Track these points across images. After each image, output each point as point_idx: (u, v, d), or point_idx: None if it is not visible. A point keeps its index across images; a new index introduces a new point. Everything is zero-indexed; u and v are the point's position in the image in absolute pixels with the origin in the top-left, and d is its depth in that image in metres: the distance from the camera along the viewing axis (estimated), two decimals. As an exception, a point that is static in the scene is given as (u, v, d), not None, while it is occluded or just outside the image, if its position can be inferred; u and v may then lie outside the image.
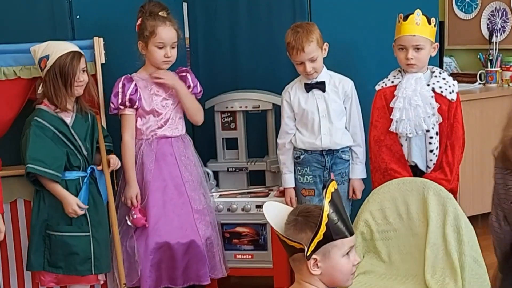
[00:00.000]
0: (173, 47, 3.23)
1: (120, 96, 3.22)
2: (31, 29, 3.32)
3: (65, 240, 3.04)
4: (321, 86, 3.26)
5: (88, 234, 3.08)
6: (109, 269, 3.16)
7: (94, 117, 3.18)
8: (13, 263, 3.27)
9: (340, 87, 3.28)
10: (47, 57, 3.02)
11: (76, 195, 3.05)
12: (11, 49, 3.19)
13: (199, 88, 3.37)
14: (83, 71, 3.06)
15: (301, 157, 3.32)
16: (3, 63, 3.18)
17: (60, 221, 3.06)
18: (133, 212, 3.21)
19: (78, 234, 3.06)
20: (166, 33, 3.19)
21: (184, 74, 3.35)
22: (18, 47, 3.17)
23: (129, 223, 3.23)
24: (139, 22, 3.23)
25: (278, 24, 3.63)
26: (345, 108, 3.30)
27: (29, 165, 2.95)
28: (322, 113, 3.25)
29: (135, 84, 3.24)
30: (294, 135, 3.32)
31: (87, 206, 3.06)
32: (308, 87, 3.27)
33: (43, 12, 3.37)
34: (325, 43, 3.22)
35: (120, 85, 3.24)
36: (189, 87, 3.33)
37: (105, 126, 3.29)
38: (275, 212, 2.16)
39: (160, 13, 3.20)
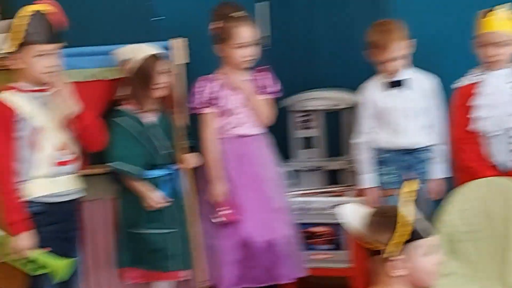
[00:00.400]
0: (251, 46, 3.24)
1: (199, 96, 3.27)
2: (113, 30, 3.40)
3: (149, 237, 3.11)
4: (401, 84, 3.22)
5: (171, 231, 3.13)
6: (191, 266, 3.20)
7: (173, 116, 3.23)
8: (99, 260, 3.36)
9: (422, 85, 3.23)
10: (129, 60, 3.10)
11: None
12: (94, 51, 3.26)
13: (274, 87, 3.37)
14: (163, 73, 3.11)
15: (381, 156, 3.28)
16: (86, 65, 3.26)
17: (143, 219, 3.12)
18: (221, 208, 3.24)
19: (161, 231, 3.12)
20: (244, 33, 3.21)
21: (259, 73, 3.36)
22: (100, 49, 3.24)
23: (216, 219, 3.25)
24: (214, 25, 3.26)
25: (357, 20, 3.61)
26: (426, 106, 3.24)
27: (113, 163, 3.03)
28: (403, 111, 3.21)
29: (214, 84, 3.27)
30: (373, 134, 3.29)
31: (167, 200, 3.11)
32: (389, 85, 3.22)
33: (125, 14, 3.46)
34: (409, 40, 3.17)
35: (199, 85, 3.28)
36: (263, 87, 3.33)
37: (187, 125, 3.32)
38: (352, 214, 2.14)
39: (235, 15, 3.22)
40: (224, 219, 3.24)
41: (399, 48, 3.12)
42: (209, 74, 3.31)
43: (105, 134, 2.97)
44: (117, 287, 3.33)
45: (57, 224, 2.83)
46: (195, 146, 3.30)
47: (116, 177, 3.12)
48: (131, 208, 3.14)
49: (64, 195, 2.83)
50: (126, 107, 3.14)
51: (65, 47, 3.17)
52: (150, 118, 3.15)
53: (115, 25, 3.45)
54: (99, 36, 3.38)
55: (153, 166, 3.13)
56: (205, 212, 3.31)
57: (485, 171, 3.04)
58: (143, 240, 3.12)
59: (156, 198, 3.08)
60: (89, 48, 3.26)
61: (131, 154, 3.06)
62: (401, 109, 3.21)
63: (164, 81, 3.11)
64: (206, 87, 3.27)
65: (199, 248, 3.20)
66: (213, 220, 3.26)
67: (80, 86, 3.13)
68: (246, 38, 3.21)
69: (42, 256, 2.75)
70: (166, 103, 3.21)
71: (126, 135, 3.08)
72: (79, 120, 2.81)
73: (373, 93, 3.26)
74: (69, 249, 2.90)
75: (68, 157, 2.83)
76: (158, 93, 3.12)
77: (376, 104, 3.25)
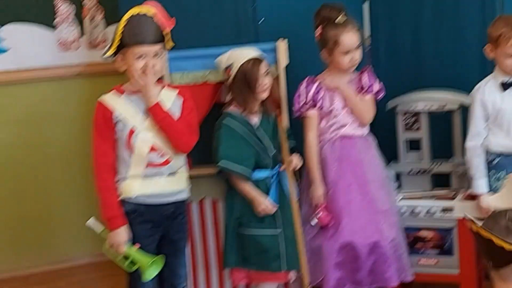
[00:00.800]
0: (357, 49, 3.21)
1: (302, 97, 3.26)
2: (217, 33, 3.43)
3: (256, 237, 3.12)
4: None
5: (278, 231, 3.13)
6: (298, 267, 3.18)
7: (276, 117, 3.23)
8: (202, 261, 3.40)
9: None
10: (231, 66, 3.13)
11: (267, 194, 3.12)
12: (199, 54, 3.31)
13: (375, 86, 3.30)
14: (266, 74, 3.12)
15: (496, 160, 3.15)
16: (192, 68, 3.31)
17: (251, 219, 3.13)
18: (320, 210, 3.22)
19: (269, 232, 3.13)
20: (350, 39, 3.17)
21: (361, 73, 3.31)
22: (205, 51, 3.28)
23: (314, 222, 3.24)
24: (319, 31, 3.23)
25: (465, 18, 3.49)
26: None
27: (221, 162, 3.06)
28: None
29: (318, 85, 3.25)
30: (487, 137, 3.16)
31: (277, 205, 3.11)
32: (505, 86, 3.09)
33: (228, 17, 3.48)
34: None
35: (303, 86, 3.27)
36: (365, 86, 3.28)
37: (288, 126, 3.32)
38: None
39: (338, 18, 3.18)
40: (318, 222, 3.22)
41: None
42: (307, 76, 3.29)
43: (194, 135, 2.95)
44: (226, 288, 3.37)
45: (151, 224, 2.87)
46: (296, 147, 3.29)
47: (224, 177, 3.14)
48: (239, 209, 3.16)
49: (159, 196, 2.85)
50: (232, 110, 3.16)
51: (172, 49, 3.26)
52: (255, 119, 3.17)
53: (220, 27, 3.47)
54: (205, 39, 3.42)
55: (261, 167, 3.14)
56: (306, 213, 3.29)
57: None
58: (251, 241, 3.13)
59: (266, 204, 3.09)
60: (196, 51, 3.30)
61: (239, 155, 3.09)
62: None
63: (266, 83, 3.12)
64: (309, 89, 3.26)
65: (302, 251, 3.17)
66: (311, 223, 3.24)
67: (188, 89, 3.19)
68: (351, 44, 3.17)
69: (134, 252, 2.81)
70: (269, 105, 3.21)
71: (234, 135, 3.11)
72: (154, 116, 2.83)
73: (488, 93, 3.12)
74: (170, 252, 2.94)
75: (162, 159, 2.85)
76: (262, 96, 3.13)
77: (492, 106, 3.11)
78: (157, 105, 2.83)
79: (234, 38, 3.41)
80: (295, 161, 3.21)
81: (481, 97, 3.14)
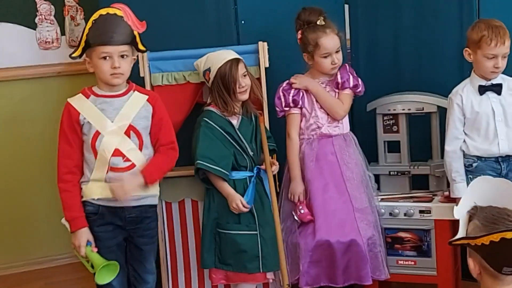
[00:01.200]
0: (337, 52, 3.24)
1: (283, 100, 3.29)
2: (199, 35, 3.44)
3: (234, 238, 3.13)
4: (497, 88, 3.11)
5: (256, 232, 3.14)
6: (277, 268, 3.19)
7: (257, 118, 3.24)
8: (181, 260, 3.41)
9: None
10: (209, 69, 3.14)
11: (243, 194, 3.13)
12: (180, 54, 3.33)
13: (351, 82, 3.32)
14: (244, 75, 3.13)
15: (474, 164, 3.17)
16: (173, 68, 3.33)
17: (229, 220, 3.14)
18: (300, 207, 3.25)
19: (246, 232, 3.14)
20: (329, 42, 3.20)
21: (339, 70, 3.33)
22: (187, 52, 3.30)
23: (296, 218, 3.27)
24: (299, 35, 3.26)
25: (443, 22, 3.52)
26: None
27: (198, 161, 3.06)
28: (498, 117, 3.10)
29: (296, 89, 3.28)
30: (464, 141, 3.19)
31: (249, 206, 3.12)
32: (483, 90, 3.13)
33: (210, 19, 3.49)
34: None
35: (282, 88, 3.30)
36: (338, 83, 3.30)
37: (268, 127, 3.34)
38: None
39: (318, 22, 3.21)
40: (298, 218, 3.26)
41: (509, 46, 3.02)
42: (288, 77, 3.31)
43: (176, 152, 2.97)
44: (205, 288, 3.38)
45: (113, 226, 2.84)
46: (275, 150, 3.31)
47: (201, 176, 3.14)
48: (216, 209, 3.16)
49: (121, 201, 2.79)
50: (213, 108, 3.17)
51: (153, 50, 3.26)
52: (235, 120, 3.18)
53: (202, 29, 3.48)
54: (187, 40, 3.42)
55: (240, 168, 3.15)
56: (287, 211, 3.32)
57: None
58: (229, 241, 3.14)
59: (237, 201, 3.09)
60: (177, 52, 3.31)
61: (217, 154, 3.08)
62: (496, 115, 3.11)
63: (245, 85, 3.13)
64: (289, 91, 3.29)
65: (281, 252, 3.17)
66: (295, 218, 3.27)
67: (170, 89, 3.20)
68: (330, 47, 3.20)
69: (91, 254, 2.79)
70: (250, 106, 3.23)
71: (213, 134, 3.11)
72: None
73: (466, 97, 3.14)
74: (136, 257, 2.92)
75: (125, 164, 2.80)
76: (242, 97, 3.15)
77: (469, 110, 3.14)
78: (149, 180, 2.82)
79: (216, 39, 3.42)
80: (274, 166, 3.22)
81: (458, 101, 3.15)
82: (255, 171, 3.19)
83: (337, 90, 3.32)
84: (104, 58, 2.74)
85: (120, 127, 2.80)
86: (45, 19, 4.02)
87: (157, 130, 2.89)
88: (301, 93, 3.29)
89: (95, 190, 2.80)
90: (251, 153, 3.18)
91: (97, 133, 2.77)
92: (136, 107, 2.84)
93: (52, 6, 4.01)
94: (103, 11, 2.76)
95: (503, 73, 3.13)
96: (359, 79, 3.36)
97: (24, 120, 4.11)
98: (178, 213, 3.39)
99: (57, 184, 2.82)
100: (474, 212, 1.97)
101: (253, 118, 3.24)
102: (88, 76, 3.03)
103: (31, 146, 4.12)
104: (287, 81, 3.31)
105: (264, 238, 3.15)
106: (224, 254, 3.15)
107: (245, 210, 3.10)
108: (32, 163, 4.13)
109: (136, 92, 2.89)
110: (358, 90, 3.36)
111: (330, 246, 3.20)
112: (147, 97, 2.90)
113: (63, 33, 4.06)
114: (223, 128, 3.13)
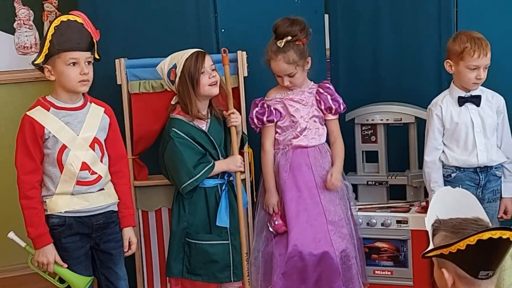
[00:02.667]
0: (291, 76, 3.20)
1: (256, 121, 3.28)
2: (178, 42, 3.41)
3: (205, 248, 3.10)
4: (476, 100, 3.13)
5: (227, 242, 3.12)
6: (243, 277, 3.17)
7: (225, 121, 3.16)
8: (157, 269, 3.40)
9: (494, 102, 3.15)
10: (174, 66, 3.07)
11: (216, 203, 3.09)
12: (158, 62, 3.29)
13: (341, 107, 3.31)
14: (212, 69, 3.06)
15: (453, 175, 3.18)
16: (151, 76, 3.31)
17: (199, 230, 3.12)
18: (275, 218, 3.25)
19: (217, 242, 3.11)
20: (276, 66, 3.19)
21: (323, 93, 3.30)
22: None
23: (270, 229, 3.27)
24: (266, 47, 3.23)
25: (422, 35, 3.55)
26: (498, 123, 3.17)
27: (185, 187, 3.03)
28: (477, 128, 3.12)
29: (268, 106, 3.27)
30: (443, 151, 3.20)
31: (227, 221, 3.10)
32: (462, 101, 3.15)
33: (190, 27, 3.47)
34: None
35: (255, 111, 3.28)
36: (328, 108, 3.29)
37: (245, 130, 3.31)
38: None
39: (277, 43, 3.17)
40: (273, 229, 3.25)
41: (487, 57, 3.05)
42: (266, 86, 3.32)
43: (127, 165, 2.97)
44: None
45: (80, 236, 2.79)
46: (256, 155, 3.31)
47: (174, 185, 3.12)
48: (187, 218, 3.13)
49: (88, 211, 2.77)
50: (178, 115, 3.10)
51: (131, 58, 3.24)
52: (204, 124, 3.12)
53: (182, 37, 3.46)
54: (167, 48, 3.38)
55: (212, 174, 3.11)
56: (263, 221, 3.31)
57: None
58: (200, 251, 3.11)
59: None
60: (155, 60, 3.28)
61: (198, 162, 3.05)
62: (475, 126, 3.13)
63: (214, 76, 3.06)
64: (262, 112, 3.27)
65: (243, 261, 3.15)
66: (270, 229, 3.27)
67: (147, 97, 3.17)
68: (278, 71, 3.19)
69: (65, 272, 2.75)
70: (217, 108, 3.16)
71: (188, 142, 3.06)
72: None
73: (445, 108, 3.16)
74: (105, 263, 2.88)
75: (92, 177, 2.76)
76: (212, 90, 3.07)
77: (448, 120, 3.16)
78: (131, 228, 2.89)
79: (195, 47, 3.39)
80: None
81: (437, 112, 3.17)
82: (226, 178, 3.14)
83: (326, 113, 3.29)
84: (72, 64, 2.69)
85: (85, 140, 2.75)
86: (24, 24, 3.99)
87: (112, 142, 2.86)
88: (274, 111, 3.27)
89: (60, 204, 2.73)
90: (221, 159, 3.13)
91: (63, 147, 2.71)
92: (96, 119, 2.80)
93: (31, 11, 3.98)
94: (63, 18, 2.69)
95: (482, 85, 3.15)
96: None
97: (2, 125, 4.07)
98: (155, 222, 3.37)
99: (19, 200, 2.73)
100: (438, 225, 1.98)
101: (223, 121, 3.17)
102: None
103: (9, 151, 4.06)
104: (262, 101, 3.29)
105: (236, 247, 3.13)
106: (194, 264, 3.12)
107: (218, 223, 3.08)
108: (10, 169, 4.07)
109: (93, 104, 2.84)
110: (343, 109, 3.35)
111: (302, 258, 3.19)
112: (103, 109, 2.86)
113: (41, 38, 4.03)
114: (191, 136, 3.07)
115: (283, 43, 3.16)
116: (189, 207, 3.12)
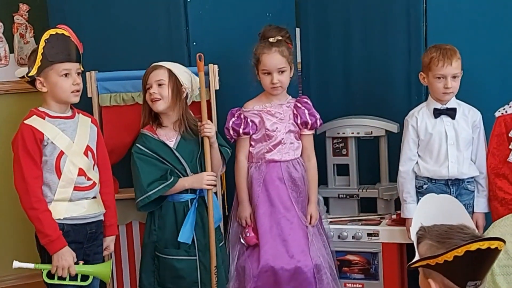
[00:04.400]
0: (280, 72, 3.20)
1: (232, 132, 3.27)
2: (150, 55, 3.41)
3: (172, 263, 3.09)
4: (451, 112, 3.17)
5: (195, 258, 3.10)
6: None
7: (198, 136, 3.14)
8: (128, 283, 3.37)
9: (470, 116, 3.20)
10: None
11: (183, 218, 3.08)
12: (130, 75, 3.30)
13: (318, 122, 3.33)
14: (158, 85, 3.06)
15: (424, 186, 3.21)
16: (122, 89, 3.31)
17: (168, 244, 3.10)
18: (247, 230, 3.25)
19: (184, 258, 3.09)
20: (269, 60, 3.18)
21: (301, 107, 3.30)
22: (136, 73, 3.26)
23: (242, 241, 3.27)
24: (254, 48, 3.25)
25: (392, 49, 3.58)
26: (473, 137, 3.20)
27: (141, 203, 3.05)
28: (451, 140, 3.16)
29: (244, 118, 3.27)
30: (417, 162, 3.23)
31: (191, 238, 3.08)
32: (437, 113, 3.18)
33: (161, 39, 3.48)
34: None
35: (232, 121, 3.27)
36: (304, 123, 3.29)
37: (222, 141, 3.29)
38: None
39: (271, 40, 3.20)
40: (245, 242, 3.25)
41: (458, 67, 3.09)
42: (239, 99, 3.32)
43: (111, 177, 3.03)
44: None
45: (75, 245, 2.82)
46: (230, 167, 3.30)
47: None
48: (157, 232, 3.12)
49: (84, 218, 2.84)
50: (147, 131, 3.13)
51: (102, 70, 3.23)
52: (172, 140, 3.12)
53: (153, 49, 3.46)
54: (138, 61, 3.38)
55: (180, 190, 3.10)
56: (236, 233, 3.31)
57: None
58: (168, 265, 3.09)
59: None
60: (126, 73, 3.29)
61: (156, 178, 3.05)
62: (448, 138, 3.16)
63: (154, 92, 3.05)
64: (237, 123, 3.27)
65: (212, 277, 3.11)
66: (242, 241, 3.27)
67: (118, 110, 3.16)
68: (270, 65, 3.17)
69: (86, 268, 2.80)
70: (189, 122, 3.15)
71: (150, 159, 3.07)
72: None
73: (421, 119, 3.20)
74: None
75: (88, 182, 2.85)
76: (154, 107, 3.07)
77: (423, 131, 3.19)
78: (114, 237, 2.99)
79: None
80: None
81: (413, 123, 3.21)
82: (197, 193, 3.12)
83: (302, 127, 3.30)
84: (65, 75, 2.78)
85: (80, 147, 2.84)
86: (-6, 36, 3.95)
87: (100, 152, 2.95)
88: (250, 123, 3.26)
89: (59, 210, 2.78)
90: (190, 174, 3.12)
91: (61, 154, 2.78)
92: (86, 128, 2.90)
93: (1, 23, 3.94)
94: (52, 31, 2.80)
95: (458, 97, 3.19)
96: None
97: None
98: (126, 236, 3.35)
99: (29, 207, 2.74)
100: (423, 233, 1.95)
101: (195, 137, 3.15)
102: (37, 94, 2.98)
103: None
104: (239, 111, 3.29)
105: (204, 264, 3.10)
106: (163, 278, 3.11)
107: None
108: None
109: (81, 114, 2.94)
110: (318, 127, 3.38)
111: (275, 272, 3.19)
112: (90, 119, 2.96)
113: (11, 50, 3.99)
114: (155, 152, 3.08)
115: (276, 39, 3.19)
116: (158, 221, 3.11)
